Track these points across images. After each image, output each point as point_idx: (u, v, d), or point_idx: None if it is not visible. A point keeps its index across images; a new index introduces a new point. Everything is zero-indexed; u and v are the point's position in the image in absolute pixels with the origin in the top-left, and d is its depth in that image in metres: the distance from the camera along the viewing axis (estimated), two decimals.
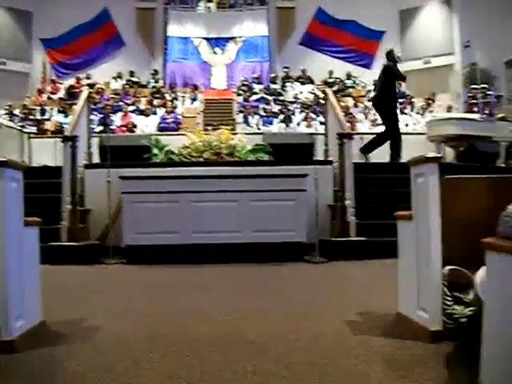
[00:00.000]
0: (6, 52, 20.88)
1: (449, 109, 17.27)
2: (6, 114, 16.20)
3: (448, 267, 3.61)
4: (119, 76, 20.84)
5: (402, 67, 21.03)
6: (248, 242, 7.86)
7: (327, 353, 3.42)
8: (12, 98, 18.23)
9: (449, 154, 12.33)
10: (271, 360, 3.29)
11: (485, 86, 18.70)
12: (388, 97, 10.42)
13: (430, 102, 17.47)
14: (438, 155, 3.97)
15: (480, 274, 3.04)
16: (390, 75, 10.55)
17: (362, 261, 7.58)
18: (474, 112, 17.10)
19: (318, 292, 5.65)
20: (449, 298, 3.59)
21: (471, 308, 3.42)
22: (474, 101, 18.24)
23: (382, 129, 14.47)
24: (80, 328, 4.16)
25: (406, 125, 15.81)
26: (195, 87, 19.22)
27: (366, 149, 10.44)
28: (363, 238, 8.14)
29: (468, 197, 3.73)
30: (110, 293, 5.86)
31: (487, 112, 17.20)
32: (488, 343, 2.66)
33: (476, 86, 18.71)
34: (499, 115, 15.07)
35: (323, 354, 3.40)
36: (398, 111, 16.09)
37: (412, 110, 16.90)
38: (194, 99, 18.60)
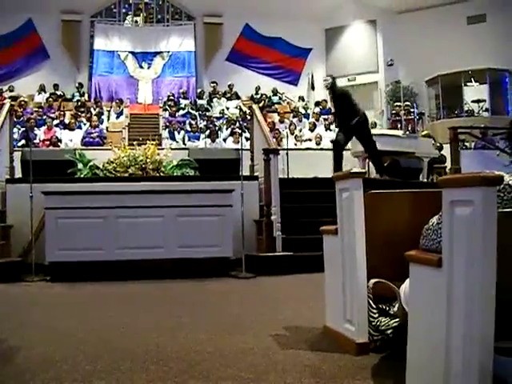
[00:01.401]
0: None
1: (373, 126, 17.61)
2: None
3: (373, 280, 3.66)
4: (43, 89, 20.42)
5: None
6: (174, 257, 7.81)
7: (255, 368, 3.40)
8: None
9: (373, 170, 12.56)
10: (198, 377, 3.26)
11: (407, 103, 19.22)
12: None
13: None
14: (363, 170, 4.04)
15: (404, 286, 3.10)
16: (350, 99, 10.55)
17: (288, 275, 7.62)
18: (397, 128, 17.51)
19: (245, 307, 5.64)
20: (374, 311, 3.65)
21: (396, 319, 3.48)
22: (398, 118, 18.70)
23: (307, 145, 14.71)
24: (1, 349, 4.02)
25: (331, 141, 16.03)
26: (121, 101, 19.03)
27: (381, 170, 10.36)
28: (290, 253, 8.20)
29: (391, 211, 3.80)
30: (31, 311, 5.68)
31: (410, 129, 17.67)
32: (412, 354, 2.71)
33: (399, 104, 19.21)
34: (424, 132, 15.50)
35: (251, 369, 3.38)
36: (322, 128, 16.40)
37: (337, 127, 17.14)
38: (119, 114, 18.40)
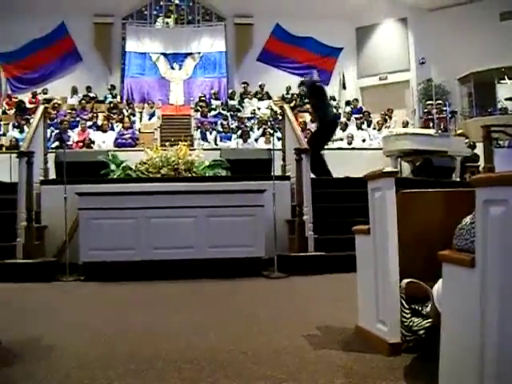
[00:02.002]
0: None
1: (405, 124, 17.53)
2: None
3: (405, 280, 3.64)
4: (76, 91, 20.65)
5: (358, 83, 21.41)
6: (207, 257, 7.83)
7: (287, 368, 3.40)
8: None
9: (405, 169, 12.49)
10: (231, 377, 3.27)
11: (440, 101, 19.04)
12: None
13: (387, 117, 17.69)
14: (395, 170, 4.02)
15: (437, 286, 3.08)
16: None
17: (320, 275, 7.60)
18: (429, 127, 17.38)
19: (277, 307, 5.64)
20: (407, 311, 3.62)
21: (429, 320, 3.45)
22: (430, 116, 18.54)
23: (338, 144, 14.67)
24: (35, 347, 4.08)
25: (363, 140, 15.98)
26: (152, 103, 19.17)
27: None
28: (322, 253, 8.16)
29: (424, 210, 3.78)
30: (65, 311, 5.75)
31: (442, 127, 17.51)
32: (446, 354, 2.69)
33: (431, 102, 19.04)
34: (459, 131, 15.37)
35: (283, 368, 3.38)
36: (354, 127, 16.35)
37: (369, 126, 17.07)
38: (151, 115, 18.53)
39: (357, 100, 20.40)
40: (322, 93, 11.00)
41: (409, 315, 3.62)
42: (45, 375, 3.36)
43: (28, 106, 18.78)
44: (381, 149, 12.90)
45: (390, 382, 3.10)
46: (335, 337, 4.16)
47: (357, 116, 18.09)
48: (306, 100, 11.66)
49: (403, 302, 3.62)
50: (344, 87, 21.79)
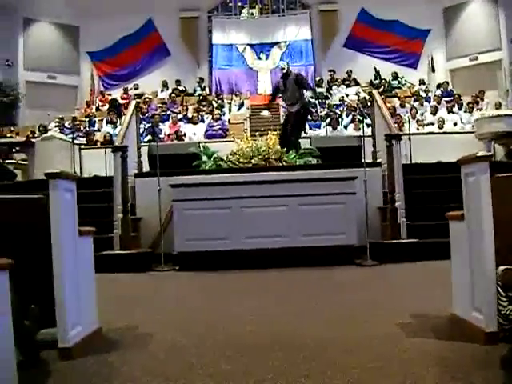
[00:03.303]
0: (56, 66, 21.48)
1: (497, 106, 16.97)
2: (56, 126, 16.55)
3: (502, 267, 3.56)
4: (165, 85, 21.08)
5: (447, 66, 20.86)
6: (298, 246, 7.87)
7: (381, 356, 3.40)
8: (62, 111, 18.73)
9: (499, 152, 12.13)
10: (325, 364, 3.29)
11: None
12: None
13: (478, 99, 17.19)
14: (488, 153, 3.92)
15: None
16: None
17: (414, 263, 7.52)
18: None
19: (370, 295, 5.61)
20: (504, 299, 3.54)
21: None
22: None
23: (429, 129, 14.40)
24: (134, 334, 4.23)
25: (455, 124, 15.60)
26: (241, 93, 19.35)
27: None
28: (415, 240, 8.07)
29: None
30: (162, 300, 5.93)
31: None
32: None
33: None
34: None
35: (377, 357, 3.38)
36: (444, 111, 15.98)
37: (460, 109, 16.64)
38: (240, 106, 18.69)
39: (447, 83, 19.92)
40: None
41: (506, 303, 3.53)
42: (144, 362, 3.48)
43: (120, 101, 19.31)
44: (473, 132, 12.55)
45: (486, 371, 3.04)
46: (429, 325, 4.12)
47: (447, 99, 17.66)
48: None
49: (500, 289, 3.54)
50: (433, 70, 21.30)
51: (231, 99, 19.29)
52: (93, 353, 3.70)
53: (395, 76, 20.88)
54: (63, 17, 21.69)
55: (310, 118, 14.40)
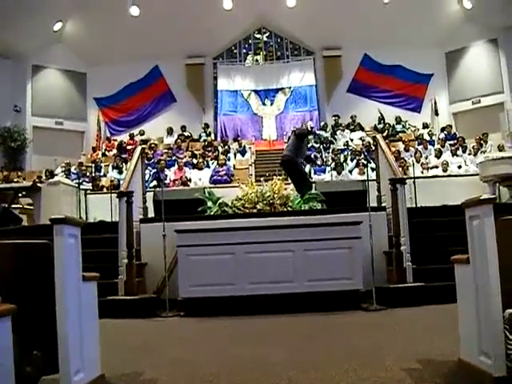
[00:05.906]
0: (63, 112, 21.72)
1: (501, 148, 17.00)
2: (62, 171, 16.67)
3: (509, 310, 3.53)
4: (171, 131, 21.27)
5: (451, 109, 21.02)
6: (304, 291, 7.82)
7: None
8: (69, 156, 18.91)
9: (504, 194, 12.12)
10: None
11: None
12: None
13: (482, 142, 17.26)
14: (493, 196, 3.92)
15: None
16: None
17: (420, 307, 7.45)
18: None
19: (377, 340, 5.56)
20: (511, 342, 3.51)
21: None
22: None
23: (434, 172, 14.43)
24: (138, 382, 4.19)
25: (459, 166, 15.64)
26: (244, 139, 19.57)
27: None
28: (421, 284, 8.01)
29: None
30: (166, 346, 5.88)
31: None
32: None
33: None
34: None
35: None
36: (449, 154, 16.01)
37: (464, 152, 16.71)
38: (245, 151, 18.81)
39: (450, 126, 20.06)
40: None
41: None
42: None
43: (126, 147, 19.47)
44: (477, 174, 12.57)
45: None
46: (436, 370, 4.07)
47: (451, 142, 17.74)
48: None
49: (507, 333, 3.51)
50: (436, 114, 21.45)
51: (238, 145, 19.39)
52: None
53: (399, 120, 21.05)
54: (71, 64, 21.99)
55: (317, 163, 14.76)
